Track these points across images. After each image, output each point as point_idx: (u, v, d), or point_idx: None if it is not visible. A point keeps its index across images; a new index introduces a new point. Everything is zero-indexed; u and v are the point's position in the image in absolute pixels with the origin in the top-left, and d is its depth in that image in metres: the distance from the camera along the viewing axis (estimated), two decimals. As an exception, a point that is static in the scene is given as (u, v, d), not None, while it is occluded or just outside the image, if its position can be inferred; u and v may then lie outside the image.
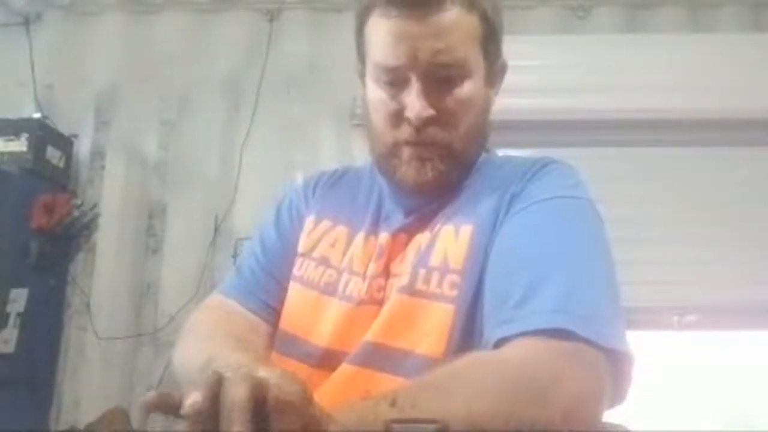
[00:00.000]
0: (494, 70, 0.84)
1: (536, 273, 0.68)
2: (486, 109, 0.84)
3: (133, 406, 2.27)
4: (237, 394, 0.44)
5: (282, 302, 0.88)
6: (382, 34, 0.77)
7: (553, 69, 2.13)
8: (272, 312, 0.88)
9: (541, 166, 0.82)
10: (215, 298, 0.92)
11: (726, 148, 2.33)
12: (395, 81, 0.78)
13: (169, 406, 0.45)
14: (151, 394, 0.46)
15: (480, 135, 0.84)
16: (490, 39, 0.81)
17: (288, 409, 0.45)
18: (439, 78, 0.77)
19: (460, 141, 0.80)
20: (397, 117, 0.79)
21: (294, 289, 0.86)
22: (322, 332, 0.80)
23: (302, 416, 0.45)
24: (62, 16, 2.66)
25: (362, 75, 0.86)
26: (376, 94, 0.81)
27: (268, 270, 0.90)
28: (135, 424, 2.19)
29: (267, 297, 0.89)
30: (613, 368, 0.63)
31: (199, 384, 0.45)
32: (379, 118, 0.81)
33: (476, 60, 0.80)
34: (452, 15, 0.76)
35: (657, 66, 2.25)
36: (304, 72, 2.56)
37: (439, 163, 0.80)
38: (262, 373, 0.47)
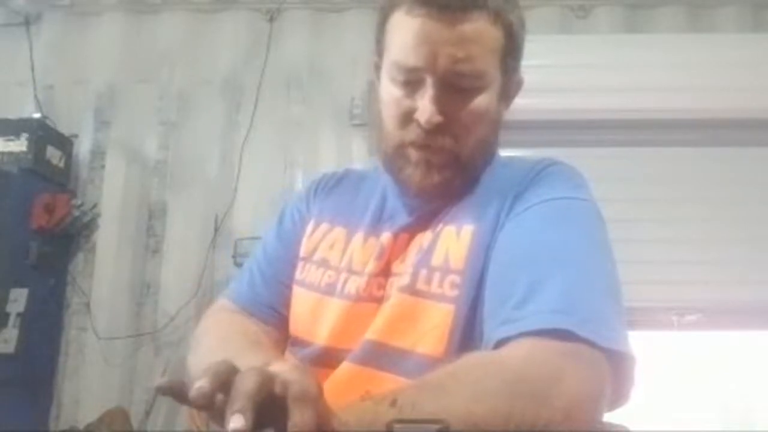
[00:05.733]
0: (510, 85, 0.84)
1: (537, 273, 0.68)
2: (497, 123, 0.83)
3: (133, 406, 2.28)
4: (246, 383, 0.44)
5: (289, 305, 0.88)
6: (405, 33, 0.76)
7: (552, 69, 2.13)
8: (279, 316, 0.88)
9: (544, 167, 0.82)
10: (222, 304, 0.92)
11: (726, 148, 2.33)
12: (411, 81, 0.77)
13: (179, 393, 0.45)
14: (164, 380, 0.46)
15: (488, 148, 0.84)
16: (510, 54, 0.80)
17: (306, 403, 0.44)
18: (455, 86, 0.76)
19: (468, 152, 0.80)
20: (407, 117, 0.79)
21: (297, 294, 0.87)
22: (322, 332, 0.81)
23: (318, 410, 0.45)
24: (62, 16, 2.67)
25: (377, 69, 0.85)
26: (389, 91, 0.80)
27: (270, 275, 0.90)
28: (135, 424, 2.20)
29: (272, 302, 0.89)
30: (615, 369, 0.62)
31: (207, 371, 0.45)
32: (389, 116, 0.81)
33: (494, 73, 0.79)
34: (478, 25, 0.75)
35: (657, 66, 2.25)
36: (304, 72, 2.56)
37: (446, 170, 0.79)
38: (275, 367, 0.47)
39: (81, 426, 2.18)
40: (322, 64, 2.56)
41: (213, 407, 0.44)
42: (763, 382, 2.26)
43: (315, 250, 0.88)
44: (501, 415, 0.54)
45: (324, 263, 0.86)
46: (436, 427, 0.45)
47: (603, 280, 0.69)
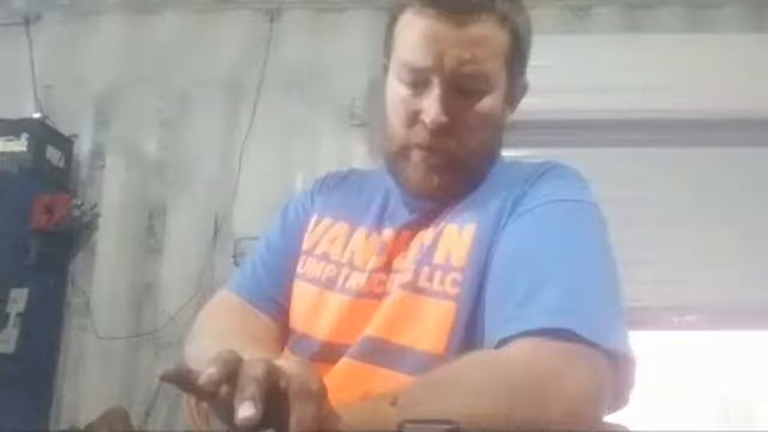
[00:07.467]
0: (515, 89, 0.85)
1: (538, 274, 0.68)
2: (501, 126, 0.85)
3: (133, 406, 2.27)
4: (253, 369, 0.45)
5: (290, 298, 0.88)
6: (413, 33, 0.78)
7: (552, 69, 2.12)
8: (281, 309, 0.88)
9: (546, 169, 0.82)
10: (224, 295, 0.92)
11: (726, 148, 2.33)
12: (417, 82, 0.78)
13: (186, 381, 0.46)
14: (170, 368, 0.46)
15: (491, 151, 0.85)
16: (516, 57, 0.81)
17: (308, 398, 0.45)
18: (461, 88, 0.77)
19: (471, 154, 0.80)
20: (413, 118, 0.79)
21: (298, 287, 0.87)
22: (322, 326, 0.81)
23: (320, 407, 0.46)
24: (62, 16, 2.66)
25: (385, 70, 0.86)
26: (396, 91, 0.81)
27: (273, 267, 0.91)
28: (135, 424, 2.20)
29: (275, 294, 0.89)
30: (615, 370, 0.63)
31: (216, 360, 0.46)
32: (395, 116, 0.82)
33: (500, 76, 0.80)
34: (485, 28, 0.76)
35: (657, 66, 2.25)
36: (304, 72, 2.56)
37: (447, 173, 0.80)
38: (279, 362, 0.48)
39: (81, 426, 2.18)
40: (322, 64, 2.56)
41: (217, 397, 0.45)
42: (763, 382, 2.26)
43: (317, 244, 0.88)
44: (501, 414, 0.54)
45: (325, 257, 0.86)
46: (447, 427, 0.45)
47: (604, 281, 0.70)
